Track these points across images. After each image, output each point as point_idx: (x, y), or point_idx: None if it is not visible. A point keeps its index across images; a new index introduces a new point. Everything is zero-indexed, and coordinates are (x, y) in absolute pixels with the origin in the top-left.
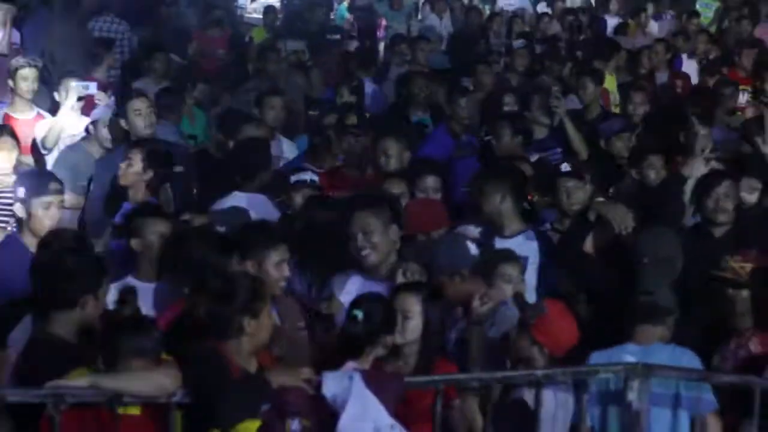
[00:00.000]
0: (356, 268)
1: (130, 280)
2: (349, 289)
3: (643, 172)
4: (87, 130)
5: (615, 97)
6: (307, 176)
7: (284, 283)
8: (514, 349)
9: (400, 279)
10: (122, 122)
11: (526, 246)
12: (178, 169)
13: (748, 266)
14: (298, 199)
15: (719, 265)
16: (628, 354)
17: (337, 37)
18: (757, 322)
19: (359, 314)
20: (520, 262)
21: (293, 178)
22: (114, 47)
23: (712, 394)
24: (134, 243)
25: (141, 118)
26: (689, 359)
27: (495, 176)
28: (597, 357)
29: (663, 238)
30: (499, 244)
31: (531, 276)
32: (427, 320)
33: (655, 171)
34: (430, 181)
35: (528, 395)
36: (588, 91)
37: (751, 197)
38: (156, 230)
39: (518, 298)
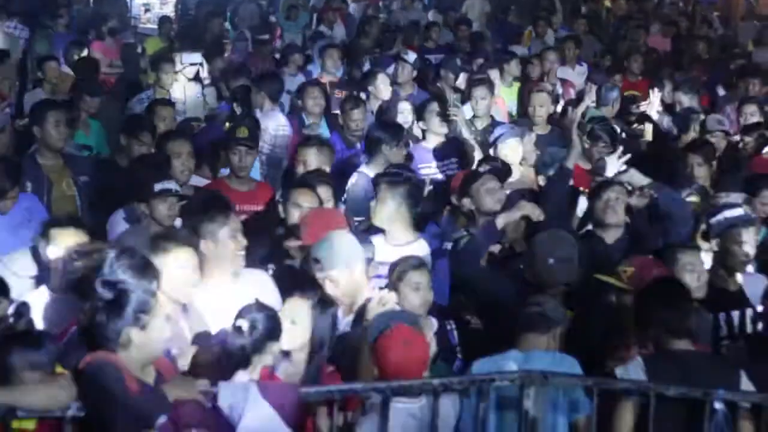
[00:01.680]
0: None
1: (44, 291)
2: None
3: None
4: None
5: (514, 105)
6: (172, 185)
7: (243, 252)
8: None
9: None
10: (35, 130)
11: (417, 255)
12: (84, 179)
13: (630, 270)
14: (162, 208)
15: (610, 270)
16: (511, 361)
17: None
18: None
19: (243, 324)
20: (429, 270)
21: (157, 187)
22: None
23: (585, 398)
24: (50, 252)
25: (57, 129)
26: (570, 365)
27: (391, 182)
28: (480, 365)
29: (560, 240)
30: (394, 252)
31: None
32: (315, 326)
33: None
34: (322, 192)
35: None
36: (479, 101)
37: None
38: (72, 241)
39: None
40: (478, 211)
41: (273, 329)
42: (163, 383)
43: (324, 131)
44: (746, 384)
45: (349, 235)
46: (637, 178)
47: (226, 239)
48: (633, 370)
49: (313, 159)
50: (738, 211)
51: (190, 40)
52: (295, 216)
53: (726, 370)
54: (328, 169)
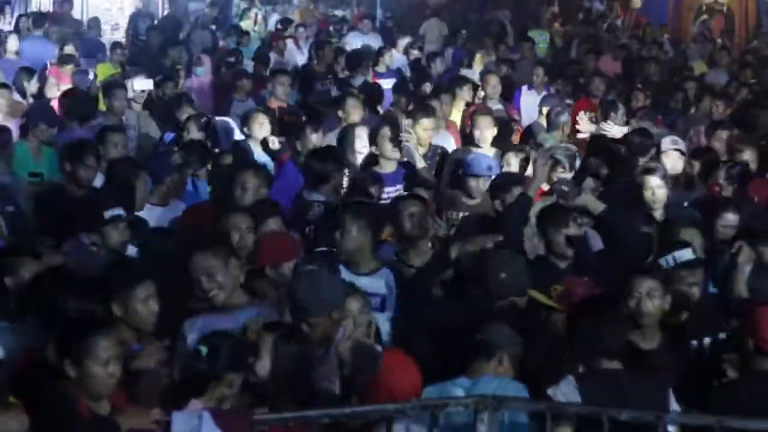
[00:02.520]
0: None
1: None
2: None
3: (505, 203)
4: None
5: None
6: (120, 212)
7: (154, 318)
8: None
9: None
10: None
11: (382, 284)
12: (10, 208)
13: (559, 288)
14: (114, 234)
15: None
16: (459, 387)
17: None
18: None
19: (203, 350)
20: (363, 296)
21: (108, 214)
22: None
23: (526, 418)
24: (8, 281)
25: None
26: (515, 389)
27: (354, 213)
28: (428, 392)
29: (512, 256)
30: (357, 281)
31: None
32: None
33: (512, 197)
34: (272, 224)
35: None
36: (422, 126)
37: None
38: (30, 269)
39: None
40: (400, 236)
41: (235, 359)
42: (116, 413)
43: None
44: (673, 403)
45: (331, 276)
46: (592, 202)
47: (137, 305)
48: (565, 389)
49: (251, 182)
50: (687, 254)
51: (142, 66)
52: (235, 238)
53: (655, 388)
54: (265, 192)
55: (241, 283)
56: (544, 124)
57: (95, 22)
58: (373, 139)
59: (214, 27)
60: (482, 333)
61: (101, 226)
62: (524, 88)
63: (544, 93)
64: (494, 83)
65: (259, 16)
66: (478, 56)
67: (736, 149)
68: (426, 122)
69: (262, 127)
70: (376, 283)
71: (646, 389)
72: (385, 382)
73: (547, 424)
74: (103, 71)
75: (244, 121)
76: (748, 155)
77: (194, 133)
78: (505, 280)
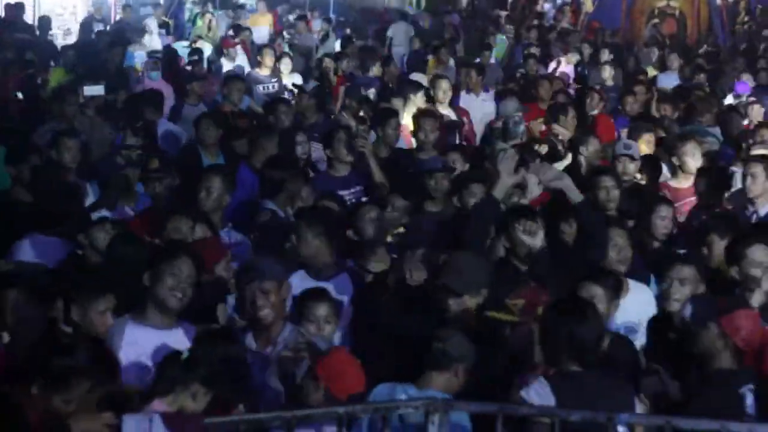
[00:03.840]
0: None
1: None
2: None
3: (463, 200)
4: None
5: None
6: (106, 213)
7: (105, 330)
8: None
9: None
10: None
11: (341, 288)
12: None
13: (521, 302)
14: (101, 235)
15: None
16: (404, 395)
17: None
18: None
19: (184, 354)
20: (331, 301)
21: (95, 215)
22: None
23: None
24: None
25: None
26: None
27: (309, 219)
28: (380, 390)
29: (469, 263)
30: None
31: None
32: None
33: (475, 198)
34: (199, 230)
35: None
36: (387, 130)
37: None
38: None
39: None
40: (358, 241)
41: (210, 375)
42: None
43: (221, 160)
44: (637, 403)
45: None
46: (572, 190)
47: (95, 315)
48: (539, 391)
49: (216, 187)
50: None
51: (93, 71)
52: None
53: (622, 391)
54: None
55: None
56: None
57: (45, 23)
58: (327, 142)
59: (164, 32)
60: (441, 342)
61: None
62: (463, 92)
63: (483, 94)
64: (445, 88)
65: (213, 22)
66: (430, 60)
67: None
68: (385, 122)
69: (210, 131)
70: (335, 288)
71: (612, 389)
72: (326, 381)
73: (498, 426)
74: (55, 76)
75: (195, 125)
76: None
77: (130, 139)
78: (461, 280)
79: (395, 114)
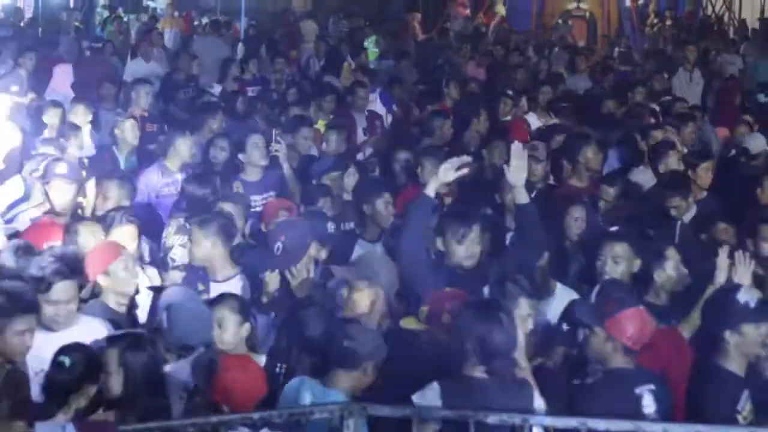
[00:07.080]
0: None
1: None
2: None
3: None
4: None
5: None
6: None
7: (23, 351)
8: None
9: None
10: None
11: (238, 290)
12: None
13: (425, 310)
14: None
15: None
16: (309, 393)
17: None
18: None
19: (66, 360)
20: (235, 305)
21: None
22: None
23: None
24: None
25: None
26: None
27: (202, 222)
28: (291, 385)
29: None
30: (214, 288)
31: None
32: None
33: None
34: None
35: None
36: (300, 135)
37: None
38: None
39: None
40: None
41: (92, 371)
42: None
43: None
44: (539, 401)
45: None
46: (520, 191)
47: (10, 336)
48: (429, 396)
49: (113, 192)
50: None
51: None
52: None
53: (519, 393)
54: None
55: None
56: None
57: None
58: (241, 147)
59: (74, 35)
60: (349, 340)
61: None
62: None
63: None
64: (362, 94)
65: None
66: (345, 65)
67: None
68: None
69: (127, 134)
70: (232, 290)
71: (510, 394)
72: (222, 384)
73: (414, 430)
74: None
75: (113, 128)
76: None
77: None
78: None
79: (308, 122)
